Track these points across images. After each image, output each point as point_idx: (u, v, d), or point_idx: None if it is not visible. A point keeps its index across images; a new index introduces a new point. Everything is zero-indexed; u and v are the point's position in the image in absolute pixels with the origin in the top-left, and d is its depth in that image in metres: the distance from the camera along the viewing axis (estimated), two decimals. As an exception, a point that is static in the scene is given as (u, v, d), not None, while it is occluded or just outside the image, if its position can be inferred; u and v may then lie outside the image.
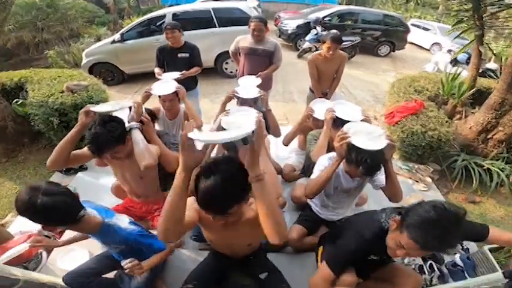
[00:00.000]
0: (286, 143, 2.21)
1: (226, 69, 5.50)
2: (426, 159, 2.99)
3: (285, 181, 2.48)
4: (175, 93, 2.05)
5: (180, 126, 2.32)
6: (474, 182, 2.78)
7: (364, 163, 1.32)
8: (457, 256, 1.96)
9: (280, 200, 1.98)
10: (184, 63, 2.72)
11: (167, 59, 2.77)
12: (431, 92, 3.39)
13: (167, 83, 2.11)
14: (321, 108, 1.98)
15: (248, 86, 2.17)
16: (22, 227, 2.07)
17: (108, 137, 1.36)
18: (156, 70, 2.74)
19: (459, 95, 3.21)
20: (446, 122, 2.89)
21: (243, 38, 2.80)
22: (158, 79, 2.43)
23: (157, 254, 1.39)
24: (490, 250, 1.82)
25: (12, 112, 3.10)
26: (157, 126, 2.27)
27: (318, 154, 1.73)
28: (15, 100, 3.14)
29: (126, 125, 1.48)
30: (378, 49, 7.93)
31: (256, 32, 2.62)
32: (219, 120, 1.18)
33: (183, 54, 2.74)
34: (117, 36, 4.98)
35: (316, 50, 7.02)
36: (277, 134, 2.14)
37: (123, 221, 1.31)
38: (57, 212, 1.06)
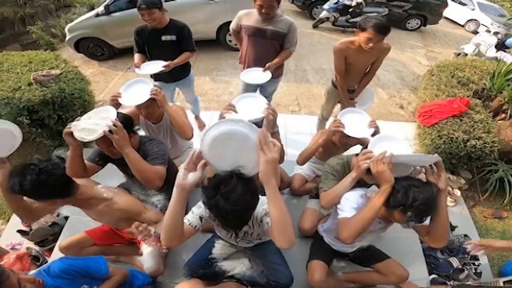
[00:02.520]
0: (301, 162, 1.84)
1: (230, 41, 4.85)
2: (460, 168, 2.55)
3: (292, 195, 2.11)
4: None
5: (167, 131, 1.90)
6: (507, 196, 2.42)
7: (416, 208, 1.04)
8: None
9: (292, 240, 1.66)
10: (171, 48, 2.13)
11: (148, 43, 2.17)
12: (478, 86, 2.74)
13: (141, 84, 1.62)
14: (352, 121, 1.56)
15: (251, 101, 1.42)
16: (12, 237, 2.00)
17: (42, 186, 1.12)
18: (136, 59, 2.16)
19: (511, 93, 2.57)
20: (494, 128, 2.35)
21: (247, 14, 2.13)
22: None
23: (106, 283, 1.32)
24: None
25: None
26: (142, 132, 1.87)
27: (329, 203, 1.37)
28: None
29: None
30: (407, 22, 6.94)
31: (265, 10, 1.94)
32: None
33: (168, 37, 2.11)
34: (100, 9, 4.28)
35: (335, 20, 6.14)
36: (280, 159, 1.73)
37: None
38: None
